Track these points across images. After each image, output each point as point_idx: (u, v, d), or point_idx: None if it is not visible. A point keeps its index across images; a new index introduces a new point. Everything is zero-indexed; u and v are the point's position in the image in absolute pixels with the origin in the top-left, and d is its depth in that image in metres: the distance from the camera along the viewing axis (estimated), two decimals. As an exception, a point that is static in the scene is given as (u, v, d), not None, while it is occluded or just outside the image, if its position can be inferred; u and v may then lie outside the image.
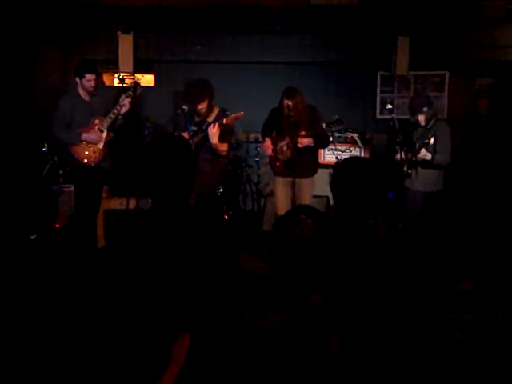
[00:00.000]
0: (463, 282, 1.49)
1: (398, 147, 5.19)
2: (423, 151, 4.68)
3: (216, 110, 4.71)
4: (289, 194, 4.67)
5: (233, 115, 4.54)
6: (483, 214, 5.08)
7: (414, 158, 4.85)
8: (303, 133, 4.55)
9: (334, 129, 4.56)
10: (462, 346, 1.34)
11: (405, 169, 4.91)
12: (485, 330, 1.33)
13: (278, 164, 4.81)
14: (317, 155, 4.98)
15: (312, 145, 4.63)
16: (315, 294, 1.66)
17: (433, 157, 4.69)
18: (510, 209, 5.22)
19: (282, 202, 4.77)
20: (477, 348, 1.35)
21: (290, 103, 4.55)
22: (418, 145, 4.75)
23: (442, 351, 1.36)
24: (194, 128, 4.69)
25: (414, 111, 4.92)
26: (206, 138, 4.57)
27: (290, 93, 4.59)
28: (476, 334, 1.34)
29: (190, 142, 4.57)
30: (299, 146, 4.56)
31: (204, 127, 4.59)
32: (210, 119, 4.64)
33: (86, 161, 4.79)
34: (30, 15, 6.33)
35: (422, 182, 4.89)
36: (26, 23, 6.34)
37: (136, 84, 5.02)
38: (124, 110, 4.85)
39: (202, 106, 4.61)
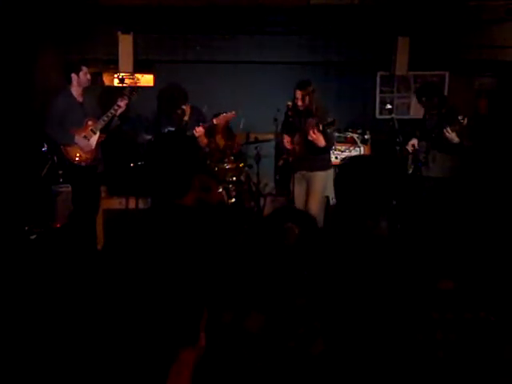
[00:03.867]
0: (443, 281, 1.48)
1: (397, 147, 5.20)
2: (453, 134, 4.63)
3: (189, 108, 4.99)
4: (303, 188, 4.91)
5: (223, 115, 4.77)
6: (480, 214, 5.08)
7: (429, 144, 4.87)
8: (315, 129, 4.63)
9: (329, 130, 4.68)
10: (445, 346, 1.34)
11: (421, 157, 4.93)
12: (467, 329, 1.33)
13: (290, 160, 4.94)
14: (329, 152, 5.07)
15: (321, 144, 4.68)
16: (300, 298, 1.65)
17: (461, 140, 4.69)
18: (508, 209, 5.22)
19: (297, 198, 4.94)
20: (460, 348, 1.34)
21: (300, 94, 4.71)
22: (450, 128, 4.64)
23: (425, 351, 1.35)
24: (171, 128, 4.84)
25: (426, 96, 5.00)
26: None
27: (301, 84, 4.75)
28: (458, 334, 1.33)
29: None
30: (309, 138, 4.66)
31: (183, 126, 4.84)
32: (186, 117, 4.90)
33: (76, 160, 4.81)
34: (29, 14, 6.33)
35: (441, 168, 4.91)
36: (25, 22, 6.33)
37: (132, 89, 5.04)
38: (120, 111, 4.88)
39: (179, 111, 4.89)
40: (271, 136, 5.82)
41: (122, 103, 4.85)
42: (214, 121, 4.79)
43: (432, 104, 4.98)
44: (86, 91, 4.92)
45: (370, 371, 1.43)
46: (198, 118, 4.93)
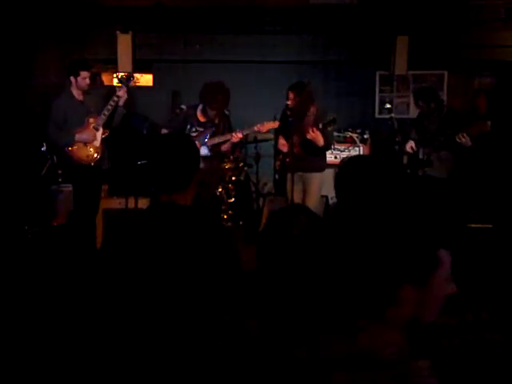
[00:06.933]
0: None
1: (397, 146, 5.21)
2: (468, 139, 4.61)
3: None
4: (299, 189, 4.88)
5: (266, 123, 4.82)
6: (479, 213, 5.08)
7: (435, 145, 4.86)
8: (314, 127, 4.62)
9: (330, 129, 4.66)
10: (451, 351, 1.33)
11: (424, 158, 4.93)
12: (471, 333, 1.32)
13: (287, 160, 4.89)
14: (325, 153, 5.07)
15: (320, 143, 4.66)
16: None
17: (472, 143, 4.68)
18: (506, 209, 5.23)
19: (294, 198, 4.88)
20: (465, 352, 1.34)
21: (292, 95, 4.70)
22: (465, 133, 4.63)
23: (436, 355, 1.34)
24: (200, 128, 4.77)
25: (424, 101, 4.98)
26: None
27: (294, 85, 4.76)
28: (462, 339, 1.33)
29: (211, 141, 4.79)
30: (308, 136, 4.63)
31: (219, 129, 4.83)
32: (216, 120, 4.81)
33: (86, 161, 4.79)
34: (29, 14, 6.33)
35: (445, 167, 4.92)
36: (25, 22, 6.34)
37: (129, 76, 5.02)
38: (122, 101, 4.84)
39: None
40: (270, 136, 5.82)
41: (121, 92, 4.81)
42: (255, 128, 4.81)
43: (429, 108, 4.97)
44: (87, 90, 4.90)
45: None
46: (225, 124, 4.88)
